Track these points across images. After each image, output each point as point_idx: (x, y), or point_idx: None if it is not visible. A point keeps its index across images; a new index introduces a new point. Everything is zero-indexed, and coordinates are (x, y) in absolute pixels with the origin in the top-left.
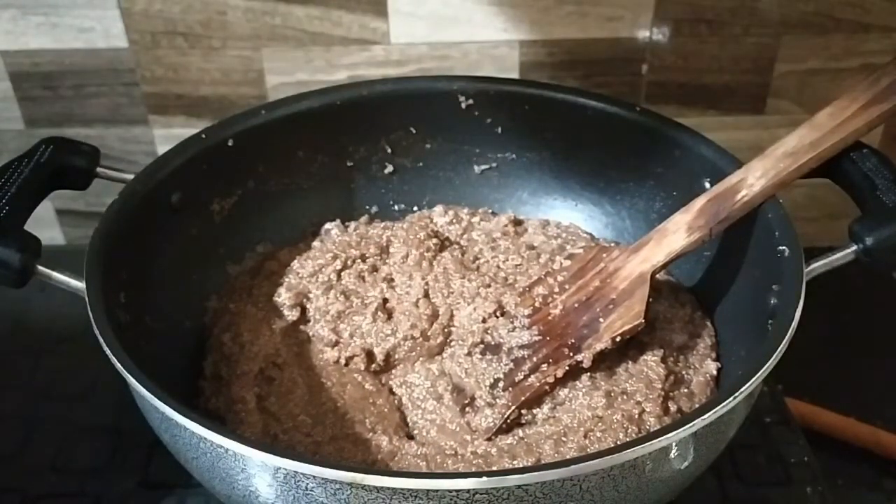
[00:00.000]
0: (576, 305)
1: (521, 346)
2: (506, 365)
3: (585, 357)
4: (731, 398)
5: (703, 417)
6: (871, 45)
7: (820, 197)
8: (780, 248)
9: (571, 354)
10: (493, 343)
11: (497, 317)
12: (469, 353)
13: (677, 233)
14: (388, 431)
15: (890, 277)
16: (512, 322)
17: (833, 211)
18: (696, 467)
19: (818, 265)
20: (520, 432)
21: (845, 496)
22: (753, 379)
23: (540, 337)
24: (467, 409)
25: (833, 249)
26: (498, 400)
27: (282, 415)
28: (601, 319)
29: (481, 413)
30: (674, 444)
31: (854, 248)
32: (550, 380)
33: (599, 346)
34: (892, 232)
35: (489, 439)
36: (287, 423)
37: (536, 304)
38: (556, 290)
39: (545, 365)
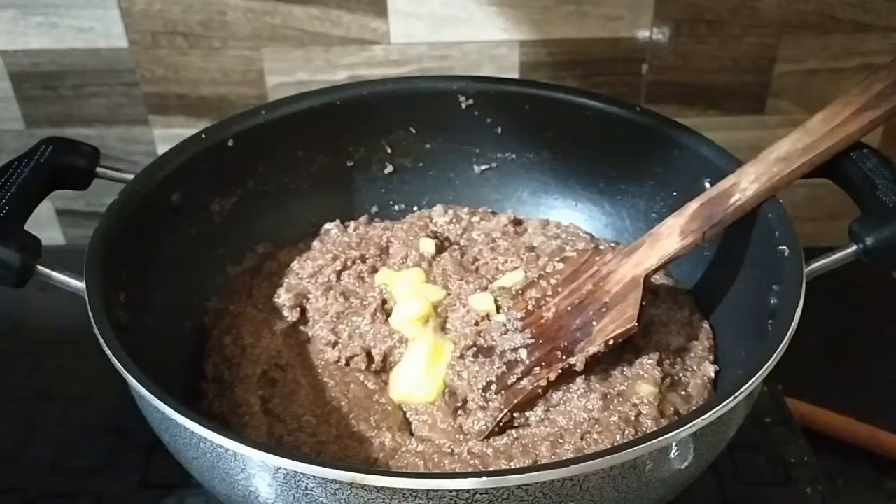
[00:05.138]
0: (569, 309)
1: (514, 349)
2: (498, 368)
3: (578, 360)
4: (732, 398)
5: (703, 417)
6: (871, 45)
7: (820, 197)
8: (780, 248)
9: (564, 357)
10: (485, 346)
11: (490, 319)
12: (462, 356)
13: (670, 237)
14: (392, 429)
15: (890, 277)
16: (505, 325)
17: (833, 211)
18: (696, 467)
19: (818, 265)
20: (514, 433)
21: (845, 496)
22: (753, 379)
23: (533, 340)
24: (459, 412)
25: (833, 249)
26: (490, 403)
27: (286, 416)
28: (594, 323)
29: (473, 416)
30: (674, 444)
31: (854, 248)
32: (543, 383)
33: (592, 350)
34: (892, 232)
35: (482, 441)
36: (292, 423)
37: (529, 307)
38: (549, 293)
39: (538, 368)
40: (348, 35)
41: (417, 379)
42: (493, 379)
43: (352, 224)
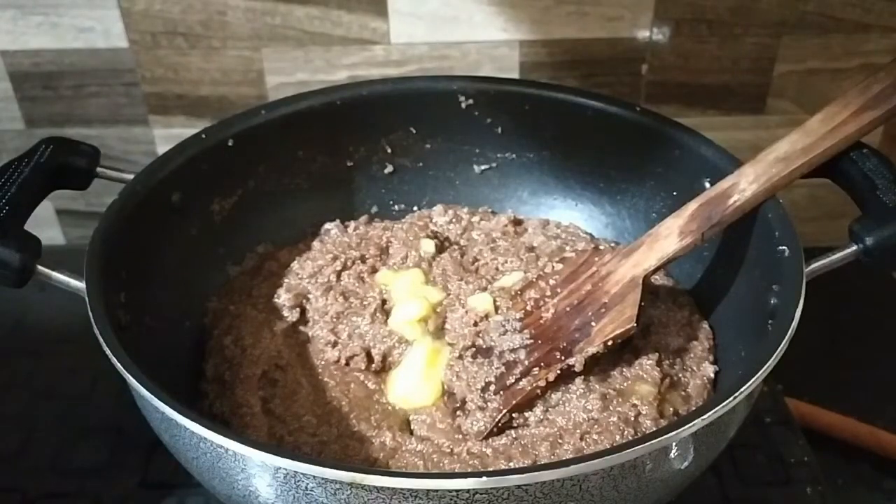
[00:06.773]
0: (567, 309)
1: (513, 350)
2: (497, 368)
3: (577, 361)
4: (731, 398)
5: (703, 417)
6: (871, 45)
7: (820, 197)
8: (780, 248)
9: (563, 358)
10: (484, 346)
11: (489, 320)
12: (460, 357)
13: (669, 237)
14: (393, 429)
15: (890, 277)
16: (504, 325)
17: (833, 211)
18: (695, 467)
19: (818, 265)
20: (513, 434)
21: (845, 496)
22: (753, 379)
23: (532, 340)
24: (458, 412)
25: (833, 249)
26: (489, 403)
27: (287, 416)
28: (593, 323)
29: (472, 416)
30: (674, 444)
31: (854, 248)
32: (542, 383)
33: (591, 350)
34: (892, 232)
35: (481, 441)
36: (293, 424)
37: (528, 308)
38: (548, 293)
39: (537, 368)
40: (348, 35)
41: (415, 384)
42: (492, 379)
43: (352, 224)
